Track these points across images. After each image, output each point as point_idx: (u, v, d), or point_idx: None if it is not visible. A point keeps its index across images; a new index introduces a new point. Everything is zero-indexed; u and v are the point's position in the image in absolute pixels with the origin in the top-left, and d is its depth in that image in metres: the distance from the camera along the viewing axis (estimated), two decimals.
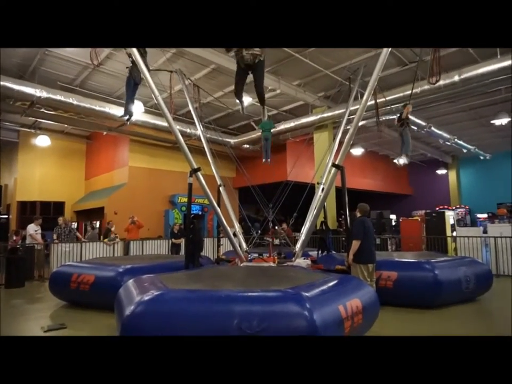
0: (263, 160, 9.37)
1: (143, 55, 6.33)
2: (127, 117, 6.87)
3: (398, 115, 7.72)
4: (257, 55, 5.31)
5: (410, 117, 11.92)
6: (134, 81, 6.51)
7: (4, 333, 4.63)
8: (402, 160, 6.70)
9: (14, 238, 11.48)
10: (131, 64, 6.48)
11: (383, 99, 10.21)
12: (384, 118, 11.76)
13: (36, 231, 9.17)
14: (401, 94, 10.02)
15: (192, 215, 7.07)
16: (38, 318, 5.38)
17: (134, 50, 5.99)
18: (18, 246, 9.03)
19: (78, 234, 10.78)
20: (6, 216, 16.37)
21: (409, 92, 9.68)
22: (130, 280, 4.19)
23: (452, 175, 21.61)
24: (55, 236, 9.47)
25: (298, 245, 6.67)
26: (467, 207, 20.52)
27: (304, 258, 6.74)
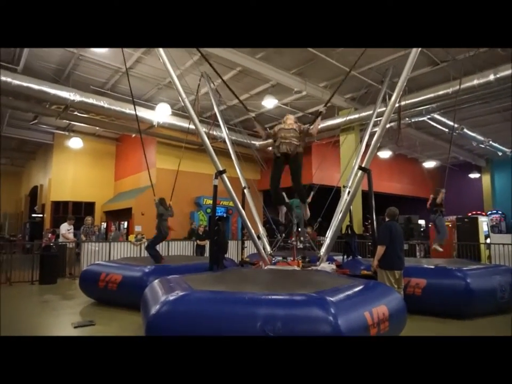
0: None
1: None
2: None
3: (431, 200, 6.99)
4: (296, 146, 5.32)
5: (440, 118, 11.59)
6: (163, 236, 7.05)
7: (36, 327, 4.83)
8: (437, 247, 6.19)
9: (49, 236, 11.99)
10: (157, 218, 7.03)
11: (413, 100, 9.96)
12: (414, 120, 11.46)
13: (68, 230, 9.54)
14: (432, 95, 9.72)
15: (217, 217, 7.10)
16: (68, 314, 5.58)
17: (161, 52, 6.11)
18: (51, 244, 9.41)
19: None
20: (41, 216, 17.15)
21: (441, 92, 9.47)
22: (156, 280, 4.27)
23: (486, 179, 20.67)
24: (82, 236, 9.81)
25: (323, 249, 6.57)
26: (502, 213, 19.56)
27: (329, 263, 6.64)
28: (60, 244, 9.38)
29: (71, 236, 9.57)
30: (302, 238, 7.39)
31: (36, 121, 12.90)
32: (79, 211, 15.73)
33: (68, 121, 12.69)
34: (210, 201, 7.52)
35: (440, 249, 6.04)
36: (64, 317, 5.40)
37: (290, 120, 5.73)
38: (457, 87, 8.68)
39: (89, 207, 16.59)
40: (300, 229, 7.53)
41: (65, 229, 9.51)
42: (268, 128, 5.81)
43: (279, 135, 5.53)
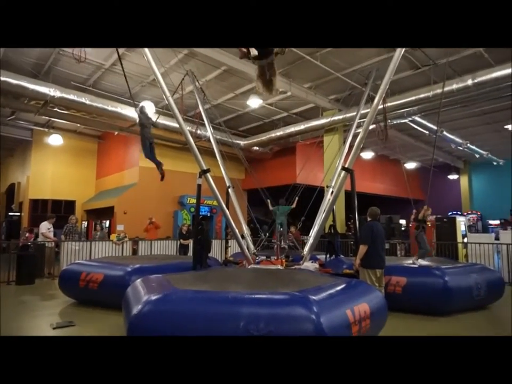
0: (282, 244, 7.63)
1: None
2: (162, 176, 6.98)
3: (414, 215, 7.10)
4: None
5: (421, 120, 11.86)
6: (148, 142, 6.62)
7: (13, 329, 4.70)
8: (418, 263, 6.20)
9: (27, 235, 11.67)
10: (139, 127, 6.64)
11: (395, 102, 10.16)
12: (395, 122, 11.69)
13: (48, 229, 9.30)
14: (413, 98, 9.94)
15: (201, 216, 7.08)
16: (47, 315, 5.45)
17: (146, 50, 6.05)
18: (29, 244, 9.16)
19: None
20: (18, 214, 16.68)
21: (422, 96, 9.70)
22: (138, 280, 4.22)
23: (464, 181, 21.29)
24: (62, 236, 9.57)
25: (306, 248, 6.64)
26: (479, 213, 20.18)
27: (312, 262, 6.70)
28: (39, 243, 9.14)
29: (51, 234, 9.34)
30: (282, 243, 7.46)
31: (13, 116, 12.50)
32: (58, 209, 15.35)
33: (47, 118, 12.36)
34: (194, 200, 7.46)
35: (424, 263, 6.09)
36: (43, 318, 5.27)
37: None
38: (438, 90, 8.93)
39: (69, 206, 16.22)
40: (281, 233, 7.58)
41: (45, 227, 9.27)
42: None
43: None
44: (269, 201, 8.02)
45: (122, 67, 6.51)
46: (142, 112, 6.58)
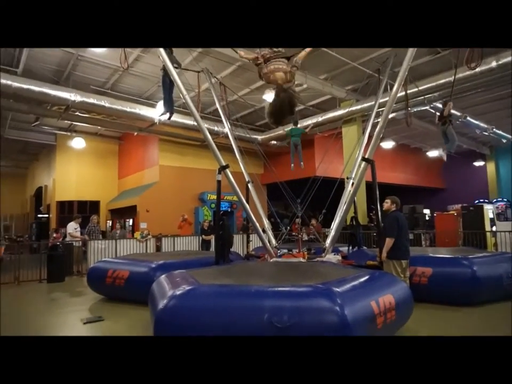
0: (292, 165, 9.18)
1: (170, 53, 6.39)
2: (168, 115, 6.78)
3: (439, 114, 7.31)
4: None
5: (441, 106, 11.49)
6: (169, 79, 6.56)
7: (46, 325, 4.90)
8: (443, 154, 6.41)
9: (55, 235, 12.10)
10: (163, 72, 6.58)
11: (415, 89, 9.89)
12: (415, 109, 11.38)
13: (75, 229, 9.62)
14: (433, 84, 9.64)
15: (221, 212, 7.13)
16: (77, 310, 5.65)
17: (161, 50, 6.10)
18: (58, 243, 9.50)
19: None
20: (47, 216, 17.30)
21: (443, 81, 9.40)
22: (163, 276, 4.30)
23: (490, 167, 20.52)
24: (86, 236, 9.84)
25: (328, 241, 6.59)
26: (508, 201, 19.44)
27: (335, 254, 6.65)
28: (67, 242, 9.47)
29: (78, 234, 9.66)
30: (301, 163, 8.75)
31: (38, 122, 12.94)
32: (84, 210, 15.84)
33: (69, 122, 12.73)
34: (214, 197, 7.54)
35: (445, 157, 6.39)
36: (74, 313, 5.47)
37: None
38: (460, 74, 8.61)
39: (94, 206, 16.71)
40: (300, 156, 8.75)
41: (72, 228, 9.60)
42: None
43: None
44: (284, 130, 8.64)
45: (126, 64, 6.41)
46: (172, 53, 6.45)
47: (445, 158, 6.46)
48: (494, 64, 8.36)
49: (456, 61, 7.48)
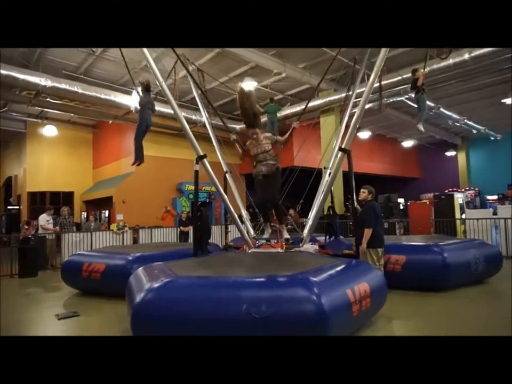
0: None
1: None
2: (138, 162, 6.82)
3: (411, 82, 7.40)
4: (272, 165, 5.60)
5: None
6: (146, 125, 6.51)
7: (19, 321, 4.76)
8: (420, 126, 6.49)
9: (26, 228, 11.69)
10: (138, 108, 6.51)
11: (391, 80, 10.03)
12: (391, 100, 11.57)
13: (47, 221, 9.29)
14: (409, 75, 9.78)
15: (200, 203, 7.08)
16: (52, 306, 5.51)
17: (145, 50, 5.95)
18: (30, 236, 9.19)
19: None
20: (17, 207, 16.66)
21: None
22: (140, 268, 4.25)
23: (462, 157, 21.28)
24: (57, 228, 9.52)
25: (305, 231, 6.66)
26: (476, 189, 20.26)
27: (312, 244, 6.73)
28: (39, 235, 9.17)
29: (51, 226, 9.34)
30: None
31: (6, 108, 12.34)
32: (57, 201, 15.32)
33: (40, 108, 12.20)
34: (193, 187, 7.47)
35: (422, 129, 6.49)
36: (48, 309, 5.33)
37: (259, 135, 5.77)
38: (434, 66, 8.80)
39: (67, 197, 16.19)
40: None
41: (44, 220, 9.27)
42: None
43: (252, 153, 5.71)
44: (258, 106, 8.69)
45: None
46: (147, 90, 6.44)
47: (421, 128, 6.53)
48: (466, 56, 8.58)
49: (430, 54, 7.61)
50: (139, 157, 6.72)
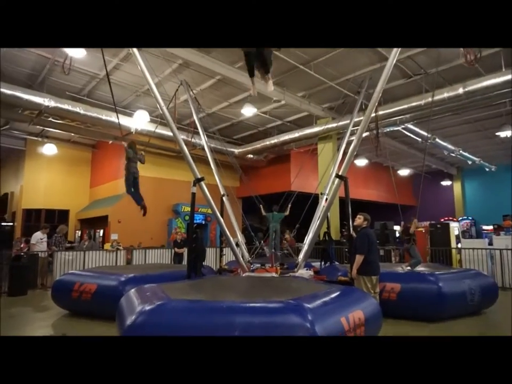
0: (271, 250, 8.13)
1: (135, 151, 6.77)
2: (143, 209, 6.97)
3: (403, 229, 7.37)
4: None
5: (413, 127, 12.02)
6: (133, 176, 6.75)
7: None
8: (408, 269, 6.37)
9: (22, 245, 11.51)
10: (126, 161, 6.75)
11: (388, 110, 10.29)
12: (388, 129, 11.81)
13: (41, 239, 9.15)
14: (405, 106, 10.07)
15: (195, 225, 7.06)
16: (39, 327, 5.38)
17: (139, 60, 6.09)
18: (22, 254, 9.05)
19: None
20: (11, 224, 16.48)
21: (414, 104, 9.85)
22: (132, 290, 4.18)
23: (457, 187, 21.50)
24: (54, 247, 9.41)
25: (301, 256, 6.64)
26: (472, 219, 20.34)
27: (307, 269, 6.70)
28: (31, 253, 9.04)
29: (43, 245, 9.18)
30: (275, 250, 7.68)
31: (8, 126, 12.46)
32: (52, 219, 15.23)
33: (41, 127, 12.33)
34: (189, 209, 7.46)
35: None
36: (35, 330, 5.20)
37: None
38: (429, 98, 9.05)
39: (63, 215, 16.09)
40: (275, 242, 7.73)
41: (36, 239, 9.09)
42: None
43: None
44: (261, 206, 8.17)
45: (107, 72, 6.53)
46: (130, 148, 6.69)
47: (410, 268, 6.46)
48: (460, 90, 8.85)
49: (430, 86, 7.83)
50: (139, 203, 6.85)
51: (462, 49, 6.40)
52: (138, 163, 6.90)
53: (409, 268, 6.27)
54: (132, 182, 6.71)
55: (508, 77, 8.15)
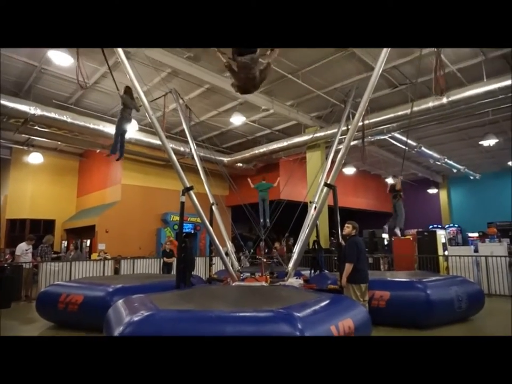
0: (261, 220, 9.27)
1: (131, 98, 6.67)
2: (118, 156, 6.92)
3: (390, 185, 7.67)
4: None
5: (400, 136, 12.22)
6: (127, 122, 6.73)
7: None
8: (398, 231, 6.58)
9: (7, 256, 11.24)
10: (122, 106, 6.69)
11: (375, 119, 10.46)
12: (376, 138, 11.99)
13: (26, 250, 8.95)
14: (392, 115, 10.25)
15: (184, 234, 7.02)
16: None
17: (128, 67, 6.09)
18: (6, 265, 8.83)
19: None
20: None
21: (400, 113, 10.04)
22: (120, 300, 4.13)
23: (443, 195, 21.86)
24: (38, 258, 9.21)
25: (290, 264, 6.64)
26: (458, 226, 20.68)
27: (297, 278, 6.70)
28: (15, 264, 8.82)
29: (29, 256, 8.97)
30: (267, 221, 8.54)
31: None
32: (37, 229, 14.92)
33: (27, 136, 12.16)
34: (178, 218, 7.43)
35: (400, 234, 6.51)
36: None
37: None
38: (415, 108, 9.24)
39: (48, 225, 15.79)
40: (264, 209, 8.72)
41: (21, 250, 8.88)
42: None
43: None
44: (249, 179, 9.13)
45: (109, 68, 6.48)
46: (125, 93, 6.62)
47: (399, 233, 6.69)
48: (444, 100, 9.06)
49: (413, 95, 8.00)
50: (114, 151, 6.81)
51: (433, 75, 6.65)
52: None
53: (397, 229, 6.42)
54: (123, 127, 6.69)
55: (489, 87, 8.40)
